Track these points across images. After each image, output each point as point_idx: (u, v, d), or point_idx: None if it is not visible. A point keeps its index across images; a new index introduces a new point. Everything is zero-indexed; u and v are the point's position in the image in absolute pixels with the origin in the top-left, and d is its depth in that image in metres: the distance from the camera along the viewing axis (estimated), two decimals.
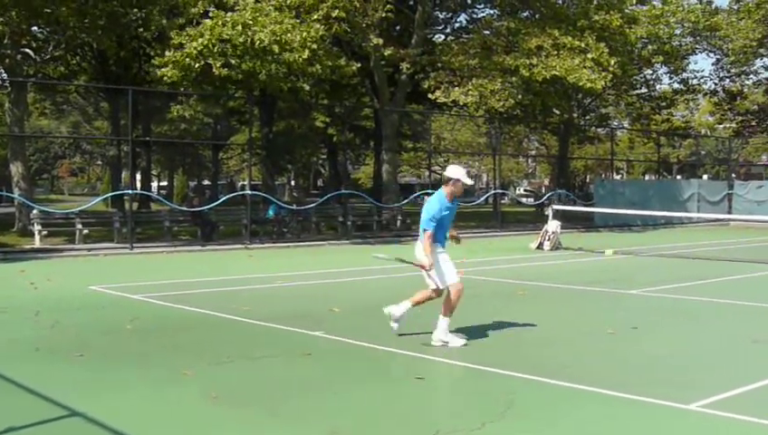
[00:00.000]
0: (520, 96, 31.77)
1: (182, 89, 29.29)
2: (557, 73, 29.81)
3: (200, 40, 24.28)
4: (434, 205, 9.84)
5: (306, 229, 30.47)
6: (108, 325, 11.10)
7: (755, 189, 43.44)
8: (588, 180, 75.96)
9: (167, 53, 25.00)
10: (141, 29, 29.83)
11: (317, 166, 74.94)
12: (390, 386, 7.90)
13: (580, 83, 30.29)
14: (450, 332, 9.80)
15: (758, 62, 49.56)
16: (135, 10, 27.73)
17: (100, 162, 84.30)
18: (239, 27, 24.13)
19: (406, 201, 34.88)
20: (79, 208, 26.99)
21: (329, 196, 34.71)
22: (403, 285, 15.76)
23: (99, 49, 31.31)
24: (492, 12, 38.13)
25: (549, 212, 26.24)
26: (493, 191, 37.92)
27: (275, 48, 24.10)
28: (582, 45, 30.85)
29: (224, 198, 31.21)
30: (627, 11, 35.70)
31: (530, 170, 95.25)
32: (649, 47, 40.38)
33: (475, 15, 40.39)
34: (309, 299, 14.11)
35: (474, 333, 10.56)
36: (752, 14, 44.57)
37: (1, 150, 45.20)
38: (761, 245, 27.62)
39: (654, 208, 35.70)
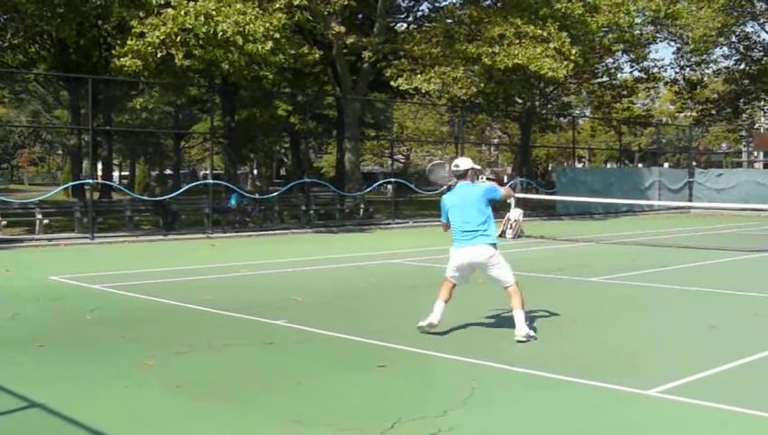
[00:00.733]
0: (482, 84, 31.83)
1: (143, 78, 29.05)
2: (519, 62, 29.87)
3: (162, 29, 24.05)
4: (480, 185, 10.03)
5: (269, 218, 30.41)
6: (68, 316, 11.03)
7: (715, 177, 43.86)
8: (550, 169, 76.26)
9: (128, 41, 24.76)
10: (101, 20, 29.53)
11: (280, 155, 74.76)
12: (352, 374, 7.90)
13: (542, 72, 30.37)
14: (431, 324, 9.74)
15: (717, 51, 49.98)
16: None
17: (60, 152, 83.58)
18: (202, 18, 23.93)
19: (368, 190, 34.91)
20: (39, 198, 26.74)
21: (291, 184, 34.61)
22: (367, 274, 15.81)
23: (58, 37, 30.96)
24: (454, 0, 38.17)
25: (511, 200, 26.33)
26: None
27: (238, 39, 23.95)
28: (544, 34, 30.93)
29: (185, 187, 31.05)
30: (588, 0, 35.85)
31: (492, 159, 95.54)
32: (610, 36, 40.53)
33: (437, 4, 40.43)
34: (271, 288, 14.08)
35: None
36: (711, 3, 44.84)
37: None
38: (720, 232, 27.89)
39: (615, 196, 35.97)
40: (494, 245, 9.69)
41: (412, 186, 39.94)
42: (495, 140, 72.89)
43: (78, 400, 6.92)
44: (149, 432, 6.20)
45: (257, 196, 31.16)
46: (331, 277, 15.97)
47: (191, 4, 24.25)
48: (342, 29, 29.41)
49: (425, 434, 5.98)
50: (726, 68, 50.94)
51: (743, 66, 49.92)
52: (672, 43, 49.04)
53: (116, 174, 70.97)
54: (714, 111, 53.57)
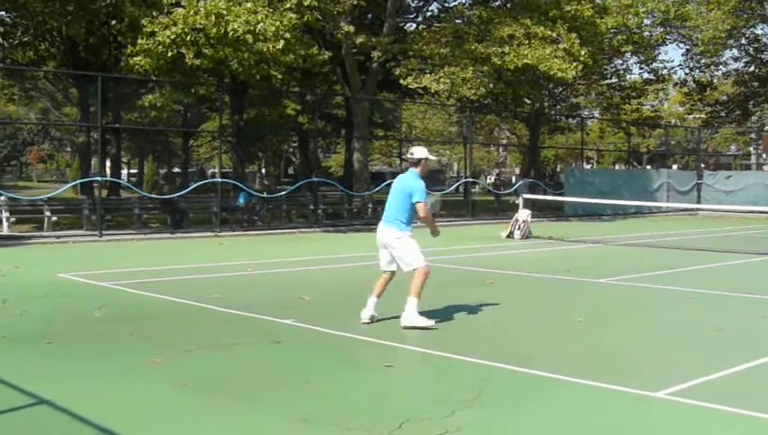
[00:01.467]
0: (491, 85, 31.86)
1: (153, 77, 29.08)
2: (528, 62, 29.88)
3: (173, 29, 24.07)
4: (419, 181, 10.44)
5: (277, 217, 30.44)
6: (76, 313, 11.05)
7: (724, 179, 43.77)
8: (558, 170, 76.22)
9: (138, 40, 24.79)
10: (111, 18, 29.56)
11: (288, 154, 74.75)
12: (360, 373, 7.91)
13: (551, 72, 30.38)
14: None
15: (727, 53, 49.90)
16: None
17: (69, 149, 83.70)
18: (212, 17, 23.94)
19: (377, 189, 34.86)
20: (47, 195, 26.80)
21: (300, 184, 34.62)
22: (375, 274, 15.80)
23: (68, 35, 31.03)
24: (464, 1, 38.15)
25: (519, 201, 26.31)
26: (463, 180, 37.96)
27: (249, 38, 23.95)
28: (554, 35, 30.93)
29: (194, 186, 31.10)
30: (598, 1, 35.84)
31: (501, 160, 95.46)
32: (619, 37, 40.51)
33: (447, 4, 40.39)
34: (279, 287, 14.10)
35: (442, 321, 10.59)
36: (721, 5, 44.76)
37: None
38: (729, 235, 27.85)
39: (624, 198, 35.91)
40: (401, 230, 10.41)
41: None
42: (504, 141, 72.87)
43: (86, 396, 6.94)
44: (157, 429, 6.21)
45: (265, 195, 31.16)
46: (338, 277, 15.98)
47: (201, 3, 24.27)
48: (352, 29, 29.42)
49: (432, 434, 5.98)
50: (736, 70, 50.83)
51: (752, 68, 49.81)
52: (681, 45, 49.02)
53: (124, 172, 71.10)
54: (723, 113, 53.44)
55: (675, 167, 57.04)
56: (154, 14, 24.93)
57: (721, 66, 50.83)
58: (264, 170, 78.19)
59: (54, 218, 25.09)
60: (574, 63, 30.85)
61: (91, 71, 30.27)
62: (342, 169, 52.62)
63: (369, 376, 7.81)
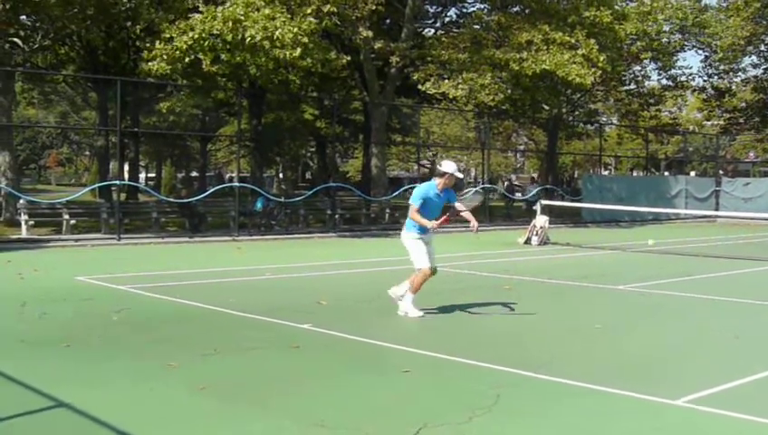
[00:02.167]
0: (509, 91, 31.81)
1: (171, 81, 29.21)
2: (547, 68, 29.84)
3: (190, 34, 24.12)
4: (423, 187, 11.41)
5: (294, 222, 30.47)
6: (94, 316, 11.08)
7: (742, 186, 43.60)
8: (576, 176, 76.07)
9: (156, 44, 24.87)
10: (130, 22, 29.73)
11: (306, 158, 74.85)
12: (377, 379, 7.90)
13: (570, 78, 30.32)
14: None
15: (746, 60, 49.76)
16: (124, 0, 27.58)
17: (87, 153, 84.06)
18: (230, 23, 23.97)
19: (394, 194, 34.90)
20: (66, 199, 26.90)
21: (317, 188, 34.71)
22: (390, 278, 15.79)
23: (87, 39, 31.19)
24: (482, 6, 38.11)
25: (537, 207, 26.26)
26: (481, 185, 37.94)
27: (266, 44, 23.98)
28: (572, 41, 30.88)
29: (212, 190, 31.17)
30: (616, 7, 35.79)
31: (518, 165, 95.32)
32: (638, 43, 40.45)
33: (465, 10, 40.43)
34: (297, 291, 14.11)
35: (459, 326, 10.60)
36: (740, 11, 44.70)
37: None
38: (747, 242, 27.72)
39: (641, 204, 35.82)
40: (408, 231, 11.62)
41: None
42: (521, 147, 72.79)
43: (104, 400, 6.95)
44: (174, 433, 6.22)
45: (283, 199, 31.22)
46: (355, 282, 15.98)
47: (219, 9, 24.31)
48: (370, 34, 29.46)
49: None
50: (755, 77, 50.67)
51: None
52: (700, 52, 48.90)
53: (142, 175, 71.40)
54: (741, 120, 53.26)
55: (693, 173, 56.77)
56: (169, 17, 25.01)
57: (740, 73, 50.77)
58: (281, 175, 78.35)
59: (73, 222, 25.19)
60: (593, 69, 30.78)
61: (110, 75, 30.42)
62: (360, 174, 52.69)
63: (387, 381, 7.81)
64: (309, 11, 25.05)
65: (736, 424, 6.52)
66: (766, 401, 7.21)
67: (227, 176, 74.87)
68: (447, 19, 41.09)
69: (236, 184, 29.53)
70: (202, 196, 28.92)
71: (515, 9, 35.32)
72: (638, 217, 37.99)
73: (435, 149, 73.22)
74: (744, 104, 53.01)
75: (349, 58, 28.72)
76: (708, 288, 14.94)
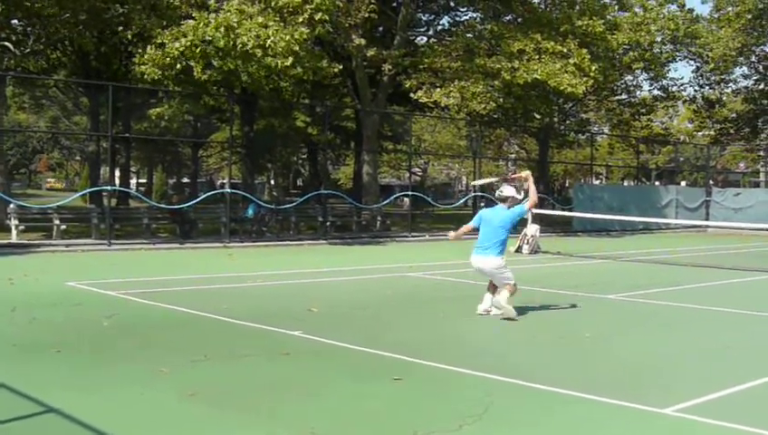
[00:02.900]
0: (501, 99, 31.86)
1: (163, 87, 29.19)
2: (538, 77, 29.89)
3: (183, 40, 24.09)
4: (518, 207, 12.43)
5: (285, 229, 30.46)
6: (85, 322, 11.07)
7: (733, 197, 43.73)
8: (567, 185, 76.19)
9: (148, 49, 24.85)
10: (122, 27, 29.71)
11: (297, 165, 74.81)
12: (368, 386, 7.90)
13: (562, 88, 30.37)
14: None
15: (737, 71, 49.95)
16: (117, 6, 27.57)
17: (78, 158, 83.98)
18: (222, 29, 23.96)
19: (385, 202, 34.93)
20: (57, 204, 26.87)
21: (308, 195, 34.68)
22: (383, 287, 15.82)
23: (79, 44, 31.17)
24: (475, 15, 38.20)
25: (528, 216, 26.28)
26: (472, 194, 37.97)
27: (258, 52, 23.97)
28: (564, 50, 30.94)
29: (203, 196, 31.16)
30: (609, 17, 35.91)
31: (509, 174, 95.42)
32: (630, 54, 40.54)
33: (457, 18, 40.50)
34: (287, 298, 14.10)
35: (450, 334, 10.61)
36: (731, 23, 44.88)
37: None
38: (737, 252, 27.79)
39: (632, 214, 35.91)
40: (500, 257, 12.09)
41: (429, 199, 39.97)
42: (513, 155, 72.87)
43: (93, 405, 6.95)
44: None
45: (274, 206, 31.19)
46: (346, 289, 15.99)
47: (212, 15, 24.30)
48: (363, 42, 29.48)
49: None
50: (746, 87, 50.85)
51: (762, 86, 49.83)
52: (691, 62, 49.04)
53: (133, 181, 71.31)
54: (732, 131, 53.41)
55: (683, 183, 56.93)
56: (162, 23, 25.00)
57: (731, 83, 50.95)
58: (273, 182, 78.29)
59: (63, 227, 25.15)
60: (584, 79, 30.85)
61: (101, 80, 30.40)
62: (351, 182, 52.69)
63: (378, 389, 7.81)
64: (301, 19, 25.06)
65: (725, 433, 6.54)
66: (755, 411, 7.24)
67: (219, 182, 74.95)
68: (440, 27, 41.18)
69: (228, 190, 29.53)
70: (193, 202, 28.90)
71: (508, 18, 35.42)
72: (628, 226, 38.04)
73: (426, 157, 73.32)
74: (734, 115, 53.18)
75: (341, 66, 28.73)
76: (698, 298, 14.98)
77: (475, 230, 12.60)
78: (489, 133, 54.28)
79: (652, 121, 55.60)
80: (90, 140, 38.92)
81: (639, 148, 53.93)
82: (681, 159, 65.20)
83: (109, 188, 28.94)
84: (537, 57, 30.58)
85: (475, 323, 11.49)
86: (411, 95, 32.71)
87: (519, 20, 34.36)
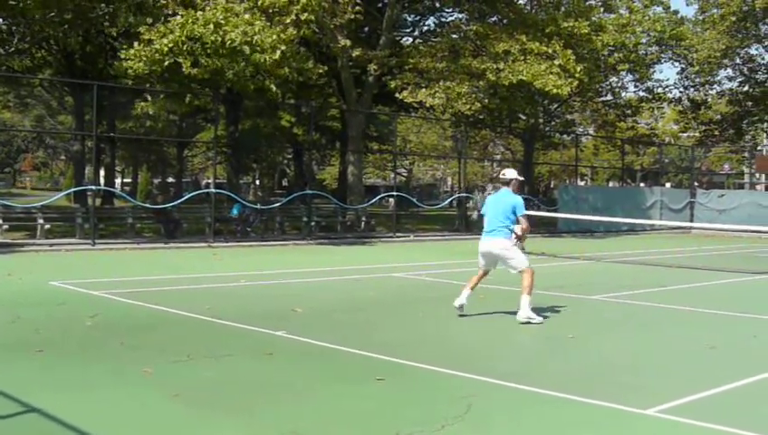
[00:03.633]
0: (486, 100, 31.89)
1: (148, 85, 29.11)
2: (524, 78, 29.90)
3: (170, 37, 24.05)
4: (520, 198, 12.07)
5: (270, 229, 30.46)
6: (68, 321, 11.04)
7: (717, 198, 43.87)
8: (552, 186, 76.35)
9: (135, 45, 24.76)
10: (108, 24, 29.62)
11: (282, 165, 74.84)
12: (351, 387, 7.90)
13: (547, 89, 30.40)
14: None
15: (722, 73, 50.10)
16: (102, 5, 27.48)
17: (63, 157, 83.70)
18: (210, 26, 23.93)
19: (370, 202, 34.93)
20: (41, 203, 26.79)
21: (293, 196, 34.67)
22: (367, 287, 15.82)
23: (64, 43, 31.05)
24: (460, 16, 38.22)
25: None
26: (457, 195, 38.02)
27: (246, 48, 23.96)
28: (549, 51, 30.98)
29: (188, 196, 31.09)
30: (594, 19, 35.95)
31: (495, 175, 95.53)
32: (615, 55, 40.65)
33: (443, 19, 40.50)
34: (271, 299, 14.09)
35: (433, 334, 10.62)
36: (716, 25, 45.03)
37: None
38: (721, 253, 27.89)
39: (617, 215, 36.00)
40: (508, 238, 11.86)
41: (414, 200, 39.98)
42: (498, 156, 72.97)
43: (76, 405, 6.93)
44: None
45: (259, 206, 31.17)
46: (331, 289, 15.98)
47: (200, 12, 24.28)
48: (348, 43, 29.47)
49: None
50: (730, 89, 51.00)
51: (746, 88, 49.99)
52: (677, 64, 49.19)
53: (118, 181, 71.08)
54: (717, 132, 53.59)
55: (668, 185, 57.14)
56: (149, 20, 24.95)
57: (715, 85, 51.08)
58: (258, 182, 78.27)
59: (47, 226, 25.09)
60: (569, 80, 30.89)
61: (86, 79, 30.29)
62: (336, 182, 52.70)
63: (360, 389, 7.81)
64: (288, 20, 25.04)
65: (707, 434, 6.56)
66: (737, 411, 7.26)
67: (204, 182, 74.76)
68: (425, 28, 41.22)
69: (213, 190, 29.49)
70: (178, 202, 28.86)
71: (493, 19, 35.43)
72: (613, 227, 38.14)
73: (411, 157, 73.34)
74: (719, 117, 53.34)
75: (326, 67, 28.70)
76: (682, 299, 15.02)
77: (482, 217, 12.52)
78: (474, 134, 54.33)
79: (637, 123, 55.72)
80: (74, 139, 38.71)
81: (625, 149, 54.06)
82: (666, 160, 65.43)
83: (93, 187, 28.82)
84: (522, 58, 30.60)
85: (459, 324, 11.50)
86: (396, 95, 32.70)
87: (504, 21, 34.39)
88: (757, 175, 64.93)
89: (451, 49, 32.40)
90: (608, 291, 15.67)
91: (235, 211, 28.78)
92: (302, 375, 8.25)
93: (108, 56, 34.68)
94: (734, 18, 44.30)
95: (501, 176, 12.42)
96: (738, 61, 48.80)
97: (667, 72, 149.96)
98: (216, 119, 32.50)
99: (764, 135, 60.01)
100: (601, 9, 40.01)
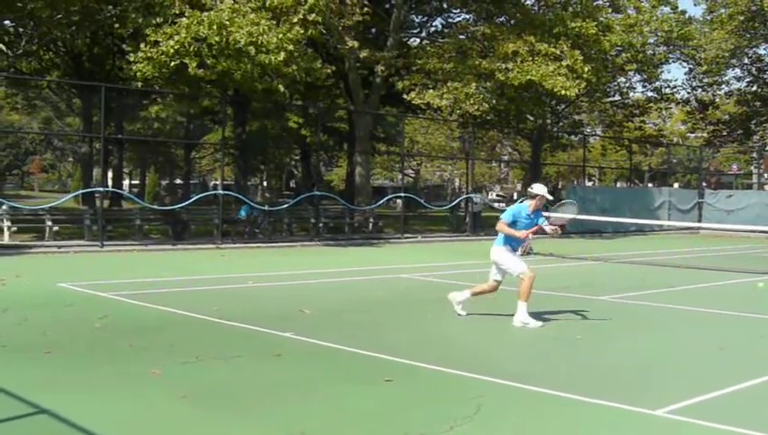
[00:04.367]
0: (494, 101, 31.85)
1: (156, 87, 29.15)
2: (533, 78, 29.85)
3: (176, 38, 24.06)
4: (515, 207, 12.03)
5: (278, 230, 30.44)
6: (76, 323, 11.04)
7: (725, 199, 43.76)
8: (560, 186, 76.26)
9: (141, 46, 24.78)
10: (117, 25, 29.66)
11: (290, 167, 74.80)
12: (359, 387, 7.90)
13: (555, 89, 30.35)
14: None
15: (730, 73, 50.05)
16: (110, 6, 27.53)
17: (71, 159, 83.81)
18: (215, 27, 23.94)
19: (378, 204, 34.90)
20: (49, 205, 26.81)
21: (301, 197, 34.65)
22: (375, 288, 15.81)
23: (72, 45, 31.12)
24: (468, 17, 38.19)
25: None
26: (465, 196, 37.98)
27: (251, 49, 23.97)
28: (557, 52, 30.93)
29: (196, 198, 31.09)
30: (602, 19, 35.89)
31: (502, 175, 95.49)
32: (623, 55, 40.61)
33: (450, 20, 40.48)
34: (279, 300, 14.09)
35: (442, 335, 10.60)
36: (724, 24, 44.97)
37: None
38: (729, 254, 27.83)
39: (625, 216, 35.88)
40: (500, 245, 11.95)
41: (422, 201, 39.96)
42: (506, 157, 72.95)
43: (85, 407, 6.93)
44: None
45: (267, 207, 31.17)
46: (338, 290, 15.97)
47: (205, 13, 24.29)
48: (356, 44, 29.46)
49: None
50: (738, 90, 50.95)
51: (755, 88, 49.96)
52: (684, 64, 49.14)
53: (126, 183, 71.17)
54: (725, 133, 53.54)
55: (676, 185, 57.03)
56: (157, 20, 24.97)
57: (723, 85, 51.05)
58: (265, 183, 78.29)
59: (56, 228, 25.11)
60: (577, 81, 30.84)
61: (94, 81, 30.33)
62: (344, 183, 52.68)
63: (369, 390, 7.80)
64: (295, 20, 25.05)
65: (716, 434, 6.56)
66: (747, 412, 7.25)
67: (211, 183, 74.79)
68: (433, 29, 41.16)
69: (220, 192, 29.47)
70: (186, 203, 28.84)
71: (501, 20, 35.38)
72: (621, 228, 38.04)
73: (419, 158, 73.29)
74: (727, 117, 53.27)
75: (334, 68, 28.70)
76: (690, 299, 15.00)
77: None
78: (482, 135, 54.34)
79: (645, 123, 55.68)
80: (82, 141, 38.80)
81: (632, 149, 54.00)
82: (674, 160, 65.25)
83: (101, 189, 28.85)
84: (530, 59, 30.55)
85: (467, 325, 11.49)
86: (404, 96, 32.70)
87: (512, 22, 34.33)
88: (765, 175, 64.82)
89: (458, 50, 32.39)
90: (616, 291, 15.64)
91: (242, 213, 28.77)
92: (309, 376, 8.24)
93: (115, 58, 34.72)
94: (741, 18, 44.26)
95: (529, 189, 12.40)
96: (746, 61, 48.78)
97: (674, 73, 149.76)
98: (224, 120, 32.50)
99: None
100: (609, 9, 39.96)
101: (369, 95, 34.80)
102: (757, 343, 10.76)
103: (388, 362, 8.90)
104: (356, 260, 22.38)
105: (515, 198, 56.17)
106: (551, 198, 12.73)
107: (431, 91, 31.22)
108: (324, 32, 28.58)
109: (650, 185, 60.85)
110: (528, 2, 37.50)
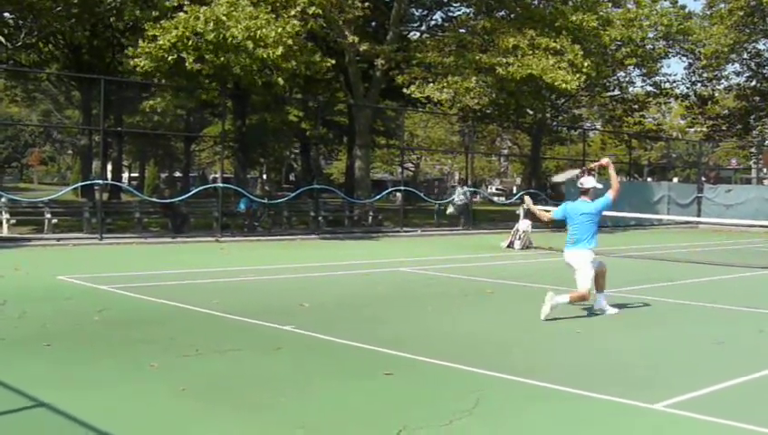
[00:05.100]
0: (494, 95, 31.84)
1: (155, 80, 29.12)
2: (533, 72, 29.82)
3: (174, 32, 24.01)
4: (599, 202, 12.55)
5: (277, 223, 30.44)
6: (75, 316, 11.03)
7: (724, 193, 43.79)
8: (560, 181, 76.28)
9: (140, 42, 24.77)
10: (114, 18, 29.64)
11: (290, 160, 74.78)
12: (359, 381, 7.90)
13: (555, 84, 30.33)
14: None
15: (729, 68, 50.07)
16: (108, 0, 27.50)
17: (70, 151, 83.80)
18: (211, 23, 23.86)
19: (378, 197, 34.90)
20: (48, 198, 26.80)
21: (301, 190, 34.64)
22: (374, 282, 15.82)
23: (71, 38, 31.07)
24: (468, 10, 38.17)
25: (520, 211, 26.28)
26: (465, 189, 37.93)
27: (249, 44, 23.91)
28: (558, 46, 30.90)
29: (195, 190, 31.10)
30: (602, 13, 35.88)
31: (502, 169, 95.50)
32: (623, 50, 40.61)
33: (450, 13, 40.49)
34: (279, 293, 14.09)
35: (441, 329, 10.61)
36: (724, 19, 44.98)
37: None
38: (728, 248, 27.83)
39: (624, 210, 35.85)
40: (588, 250, 12.21)
41: (421, 194, 39.95)
42: (505, 151, 72.95)
43: (84, 400, 6.93)
44: (154, 434, 6.21)
45: (266, 200, 31.16)
46: (338, 284, 15.96)
47: (202, 9, 24.22)
48: (356, 38, 29.43)
49: None
50: (738, 84, 50.97)
51: (754, 83, 49.98)
52: (684, 59, 49.17)
53: (125, 175, 71.15)
54: (724, 127, 53.55)
55: (675, 180, 57.02)
56: (154, 13, 24.93)
57: (723, 80, 51.13)
58: (265, 176, 78.26)
59: (54, 221, 25.10)
60: (577, 75, 30.81)
61: (93, 74, 30.29)
62: (344, 177, 52.67)
63: (368, 384, 7.81)
64: (293, 12, 25.01)
65: (715, 428, 6.56)
66: (745, 406, 7.25)
67: (211, 176, 74.83)
68: (433, 23, 41.19)
69: (220, 185, 29.47)
70: (185, 196, 28.84)
71: (501, 14, 35.36)
72: (620, 222, 38.04)
73: (419, 152, 73.33)
74: (726, 112, 53.30)
75: (333, 61, 28.67)
76: (690, 294, 15.01)
77: (552, 221, 13.25)
78: (482, 129, 54.33)
79: (644, 118, 55.70)
80: (82, 133, 38.82)
81: (632, 144, 54.04)
82: (673, 155, 65.34)
83: (100, 181, 28.82)
84: (531, 53, 30.53)
85: (467, 319, 11.49)
86: (404, 90, 32.66)
87: (512, 15, 34.31)
88: (764, 170, 64.88)
89: (459, 43, 32.37)
90: (615, 286, 15.61)
91: (242, 206, 28.77)
92: (309, 370, 8.24)
93: (115, 51, 34.70)
94: (741, 13, 44.26)
95: (579, 185, 12.74)
96: (746, 56, 48.80)
97: (674, 67, 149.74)
98: (224, 113, 32.51)
99: None
100: (609, 3, 39.95)
101: (369, 89, 34.78)
102: (756, 337, 10.76)
103: (387, 356, 8.90)
104: (355, 254, 22.38)
105: (515, 191, 56.08)
106: (601, 187, 12.97)
107: (431, 84, 31.19)
108: (324, 25, 28.54)
109: (650, 179, 60.88)
110: None
